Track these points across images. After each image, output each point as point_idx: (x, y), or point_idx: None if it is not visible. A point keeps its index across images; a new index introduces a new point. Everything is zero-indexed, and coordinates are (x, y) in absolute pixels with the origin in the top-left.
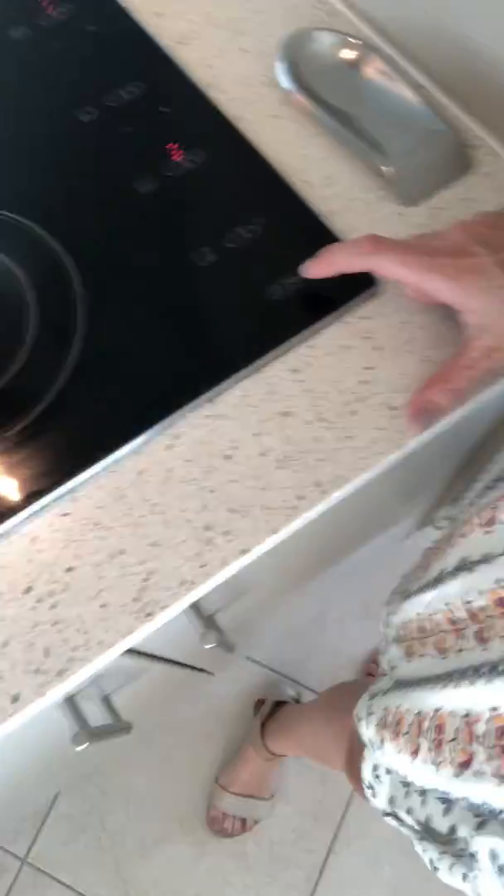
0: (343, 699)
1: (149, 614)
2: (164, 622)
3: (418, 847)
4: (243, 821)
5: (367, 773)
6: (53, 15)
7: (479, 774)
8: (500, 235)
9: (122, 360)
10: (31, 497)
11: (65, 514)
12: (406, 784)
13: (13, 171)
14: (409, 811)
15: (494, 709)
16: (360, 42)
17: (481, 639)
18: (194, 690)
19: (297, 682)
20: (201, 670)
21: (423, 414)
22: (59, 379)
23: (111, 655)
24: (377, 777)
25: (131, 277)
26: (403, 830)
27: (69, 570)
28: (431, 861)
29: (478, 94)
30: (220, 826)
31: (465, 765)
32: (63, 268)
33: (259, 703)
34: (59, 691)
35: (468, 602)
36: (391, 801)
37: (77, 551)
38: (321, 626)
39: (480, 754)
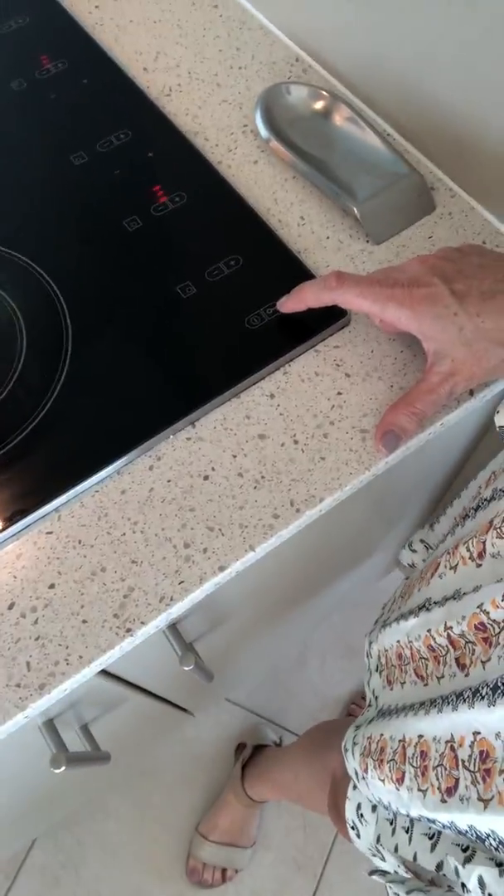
0: (324, 738)
1: (129, 630)
2: (143, 638)
3: None
4: (223, 871)
5: (350, 813)
6: (50, 68)
7: (465, 799)
8: (454, 267)
9: (108, 386)
10: (16, 515)
11: (49, 533)
12: (392, 821)
13: (9, 209)
14: (395, 849)
15: (477, 733)
16: (332, 95)
17: (461, 665)
18: (174, 734)
19: (279, 724)
20: (181, 709)
21: (390, 437)
22: (47, 402)
23: (92, 671)
24: (361, 816)
25: (118, 308)
26: (390, 887)
27: (52, 586)
28: None
29: (437, 141)
30: (200, 877)
31: (451, 790)
32: (53, 299)
33: (240, 748)
34: (40, 706)
35: (449, 628)
36: (377, 839)
37: (60, 568)
38: (302, 668)
39: (465, 779)
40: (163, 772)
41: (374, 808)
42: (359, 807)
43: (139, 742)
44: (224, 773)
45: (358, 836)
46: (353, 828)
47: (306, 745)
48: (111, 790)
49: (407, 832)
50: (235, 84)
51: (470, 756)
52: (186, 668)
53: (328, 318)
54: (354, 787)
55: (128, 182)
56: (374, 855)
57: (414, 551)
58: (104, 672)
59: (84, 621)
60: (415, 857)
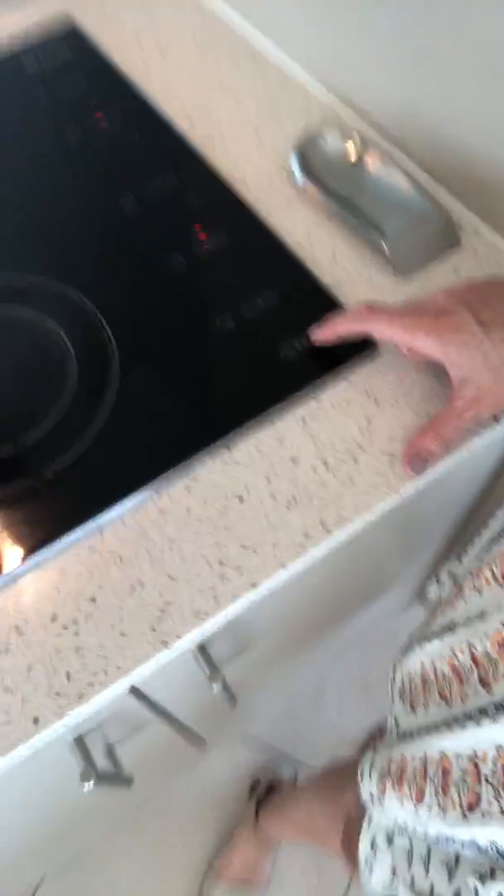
0: (339, 776)
1: (165, 642)
2: (178, 652)
3: None
4: None
5: (364, 848)
6: (101, 120)
7: (487, 814)
8: (480, 298)
9: (150, 411)
10: (62, 531)
11: (91, 548)
12: (409, 851)
13: (64, 247)
14: (411, 884)
15: (500, 747)
16: (363, 139)
17: (484, 683)
18: (189, 769)
19: (294, 760)
20: (198, 739)
21: (417, 460)
22: (94, 426)
23: (129, 682)
24: (376, 849)
25: (160, 339)
26: None
27: (93, 600)
28: None
29: (462, 180)
30: None
31: (473, 806)
32: (101, 330)
33: (254, 786)
34: (79, 714)
35: (472, 646)
36: (393, 871)
37: (101, 582)
38: (319, 704)
39: (488, 793)
40: (175, 810)
41: (389, 840)
42: (373, 841)
43: (155, 776)
44: (238, 812)
45: (370, 871)
46: (366, 862)
47: (321, 784)
48: (123, 828)
49: (424, 864)
50: (272, 130)
51: (493, 771)
52: (215, 686)
53: (358, 348)
54: (370, 822)
55: (172, 223)
56: (389, 894)
57: (441, 583)
58: (135, 691)
59: (122, 634)
60: (431, 891)
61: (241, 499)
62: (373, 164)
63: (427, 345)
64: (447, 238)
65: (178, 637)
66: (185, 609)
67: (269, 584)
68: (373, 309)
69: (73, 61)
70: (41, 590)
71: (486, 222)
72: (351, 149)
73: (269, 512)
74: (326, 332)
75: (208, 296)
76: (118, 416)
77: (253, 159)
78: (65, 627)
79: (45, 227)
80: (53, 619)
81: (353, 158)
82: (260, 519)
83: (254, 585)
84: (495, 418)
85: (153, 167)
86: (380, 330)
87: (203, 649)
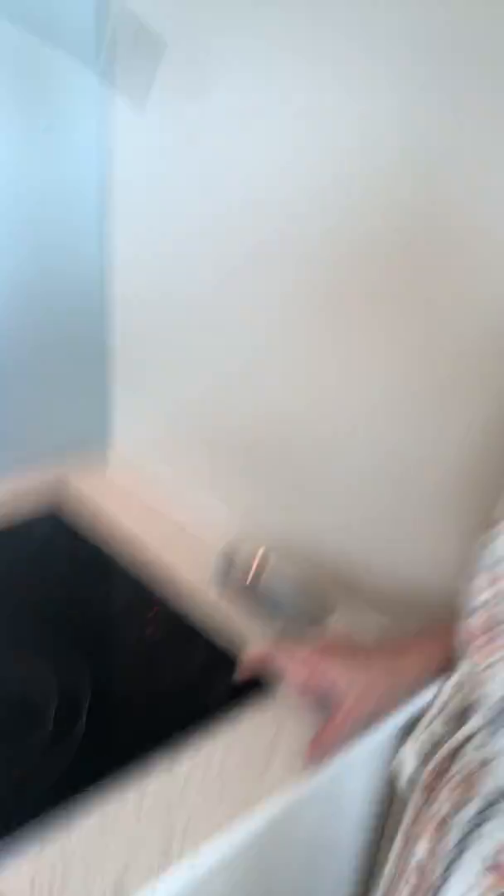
0: None
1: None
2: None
3: None
4: None
5: None
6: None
7: None
8: (349, 643)
9: (111, 743)
10: (43, 821)
11: (73, 832)
12: None
13: (62, 628)
14: None
15: None
16: (266, 548)
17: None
18: None
19: None
20: None
21: (316, 757)
22: (69, 749)
23: None
24: None
25: (122, 685)
26: None
27: (66, 865)
28: None
29: (338, 571)
30: None
31: None
32: (82, 682)
33: None
34: None
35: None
36: None
37: (74, 849)
38: None
39: None
40: None
41: None
42: None
43: None
44: None
45: None
46: None
47: None
48: None
49: None
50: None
51: None
52: None
53: (264, 684)
54: None
55: (132, 612)
56: None
57: None
58: None
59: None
60: None
61: (186, 784)
62: (273, 565)
63: (322, 662)
64: (324, 611)
65: (139, 888)
66: (142, 868)
67: (210, 839)
68: (278, 650)
69: (55, 530)
70: (24, 861)
71: (356, 599)
72: (258, 555)
73: (209, 793)
74: (245, 673)
75: (156, 660)
76: (86, 748)
77: (187, 566)
78: (41, 887)
79: (52, 621)
80: (32, 882)
81: (257, 562)
82: (201, 801)
83: (201, 838)
84: (368, 723)
85: (121, 584)
86: (284, 664)
87: None
